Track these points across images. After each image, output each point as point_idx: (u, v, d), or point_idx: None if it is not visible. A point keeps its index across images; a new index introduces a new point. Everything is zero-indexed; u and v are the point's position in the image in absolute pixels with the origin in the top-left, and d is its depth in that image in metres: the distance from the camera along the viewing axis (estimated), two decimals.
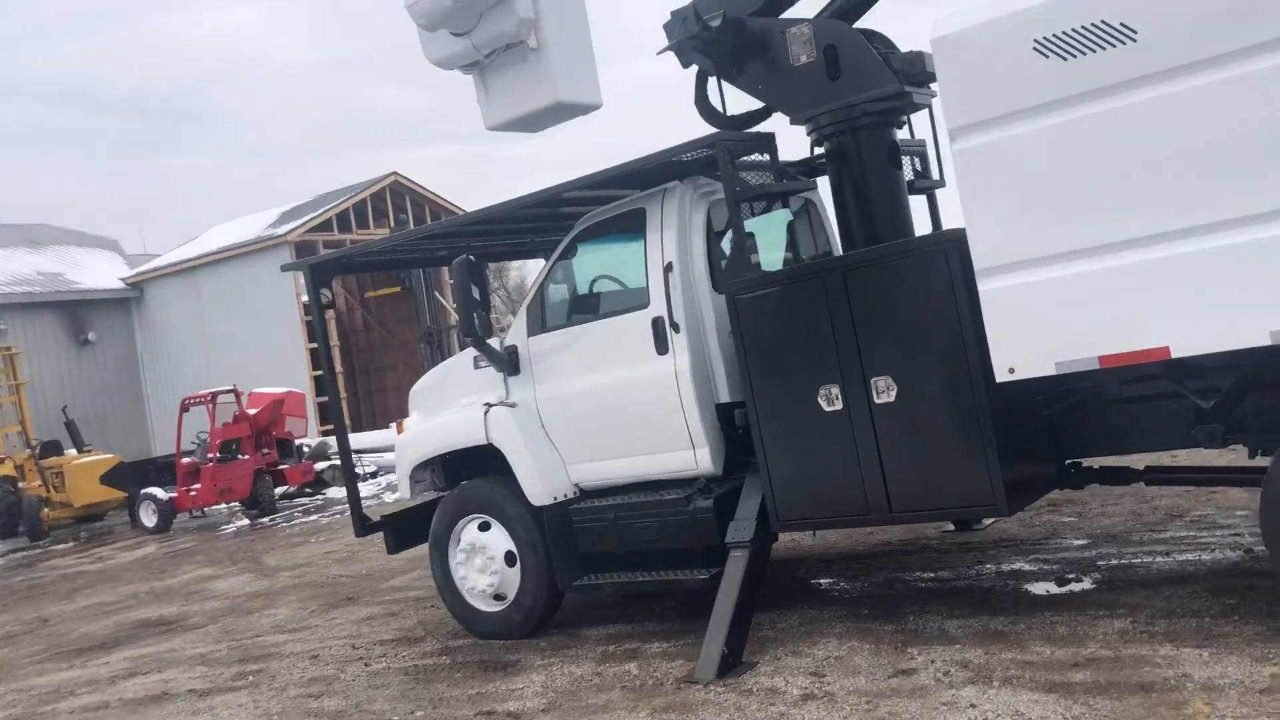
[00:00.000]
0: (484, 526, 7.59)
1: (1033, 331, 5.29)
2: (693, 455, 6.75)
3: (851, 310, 5.86)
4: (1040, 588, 6.62)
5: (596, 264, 7.49)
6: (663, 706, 5.68)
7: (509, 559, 7.46)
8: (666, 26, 7.40)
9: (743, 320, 6.25)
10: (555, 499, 7.25)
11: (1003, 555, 7.58)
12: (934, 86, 6.84)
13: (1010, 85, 5.20)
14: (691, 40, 7.00)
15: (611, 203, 7.47)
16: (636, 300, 6.95)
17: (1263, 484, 4.93)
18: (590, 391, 7.11)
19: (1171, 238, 4.90)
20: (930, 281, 5.61)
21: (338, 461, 24.01)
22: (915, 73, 6.65)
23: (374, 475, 22.87)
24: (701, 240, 6.87)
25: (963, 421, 5.57)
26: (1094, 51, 4.97)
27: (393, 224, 31.33)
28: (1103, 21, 4.93)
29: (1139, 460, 6.40)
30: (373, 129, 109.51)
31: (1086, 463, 6.41)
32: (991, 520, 8.59)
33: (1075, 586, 6.52)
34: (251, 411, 20.44)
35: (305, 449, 22.74)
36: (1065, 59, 5.04)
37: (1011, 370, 5.37)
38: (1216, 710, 4.45)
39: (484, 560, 7.55)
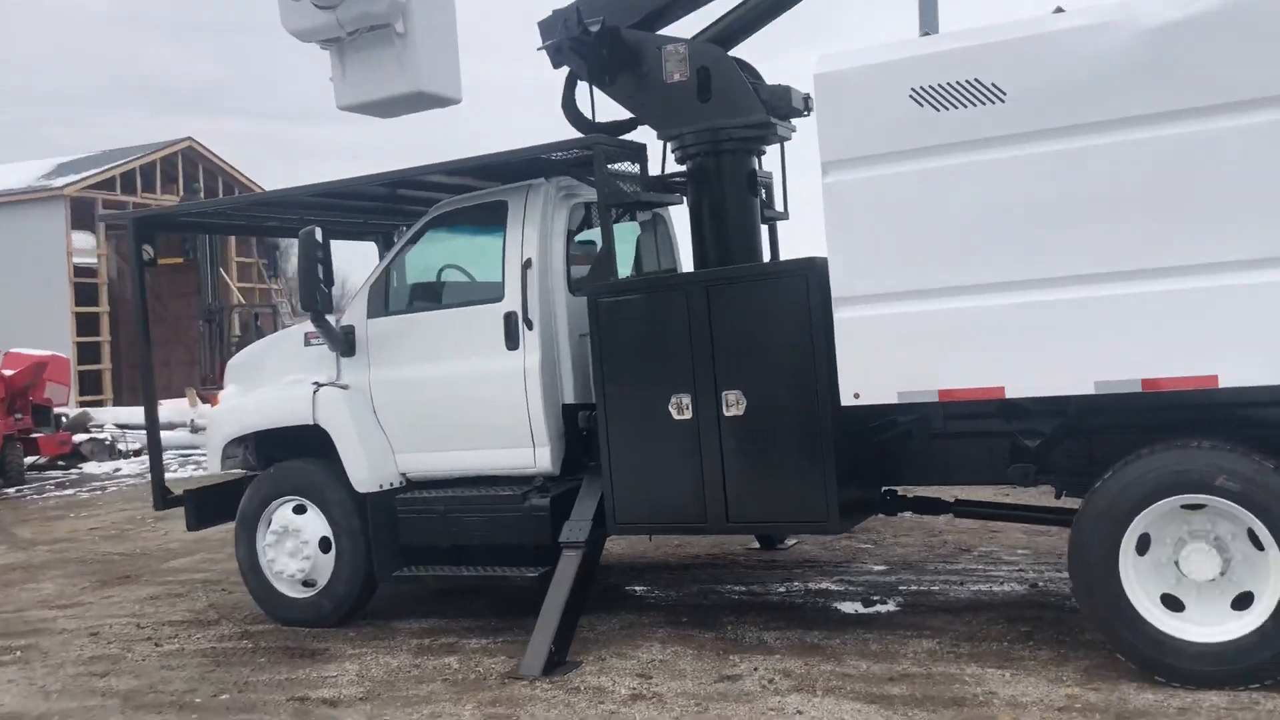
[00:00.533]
0: (299, 509, 7.32)
1: (881, 360, 5.60)
2: (532, 453, 6.74)
3: (711, 324, 6.02)
4: (849, 607, 6.96)
5: (449, 252, 7.40)
6: (488, 701, 5.63)
7: (324, 545, 7.22)
8: (543, 24, 7.42)
9: (602, 323, 6.32)
10: (381, 487, 7.08)
11: (809, 574, 7.92)
12: (794, 122, 7.17)
13: (884, 128, 5.51)
14: (571, 42, 7.04)
15: (465, 193, 7.41)
16: (490, 293, 6.90)
17: (1073, 524, 5.38)
18: (432, 380, 7.00)
19: (1013, 287, 5.30)
20: (789, 304, 5.84)
21: (99, 435, 22.58)
22: (780, 105, 6.91)
23: (137, 454, 21.54)
24: (562, 241, 6.90)
25: (806, 439, 5.82)
26: (965, 107, 5.33)
27: (182, 191, 29.72)
28: (977, 80, 5.29)
29: (948, 492, 6.85)
30: (152, 91, 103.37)
31: (902, 491, 6.79)
32: (794, 541, 8.98)
33: (881, 608, 6.90)
34: (8, 373, 18.84)
35: (64, 418, 21.18)
36: (938, 110, 5.38)
37: (857, 395, 5.66)
38: (998, 705, 4.83)
39: (296, 544, 7.28)
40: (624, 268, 7.74)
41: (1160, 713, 4.83)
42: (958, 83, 5.34)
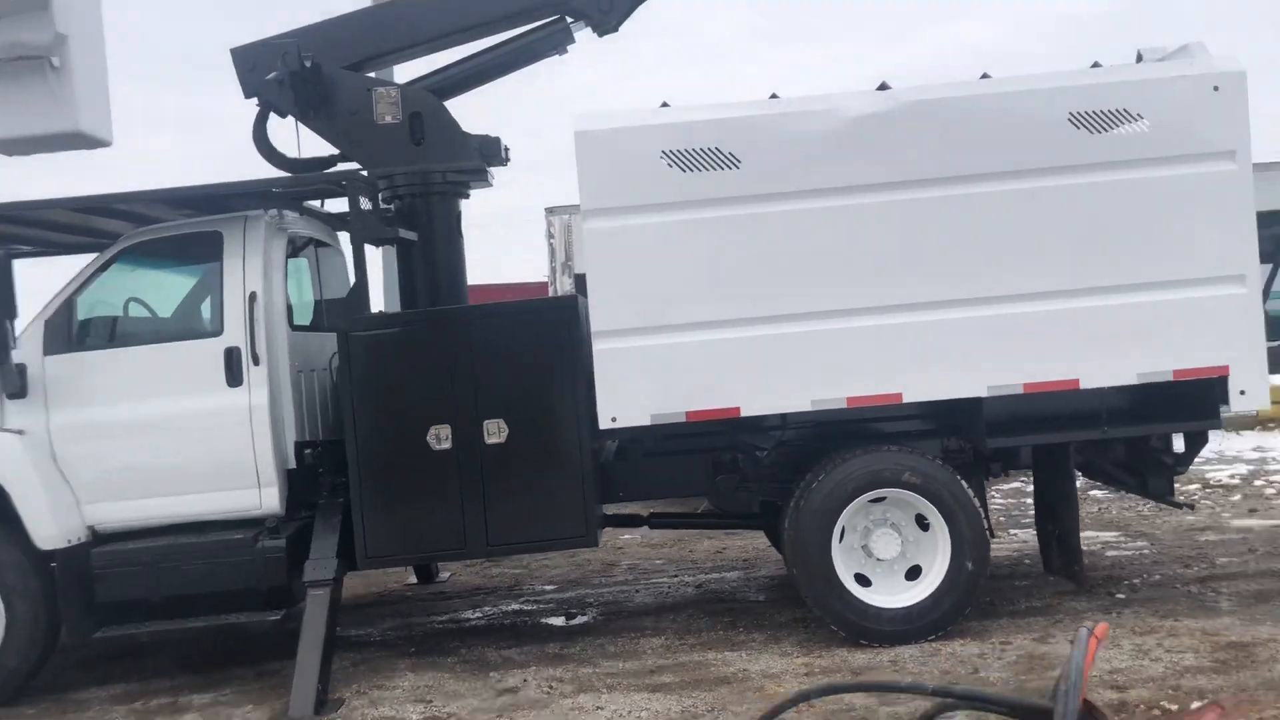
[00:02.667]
0: None
1: (635, 387, 6.30)
2: (258, 494, 6.50)
3: (473, 356, 6.33)
4: (556, 621, 7.51)
5: (149, 284, 6.88)
6: None
7: None
8: (239, 53, 7.23)
9: (354, 358, 6.34)
10: (70, 542, 6.39)
11: (492, 599, 8.33)
12: (495, 170, 7.66)
13: (639, 183, 6.27)
14: (289, 76, 6.94)
15: (152, 224, 6.97)
16: (205, 327, 6.58)
17: (789, 520, 6.44)
18: (133, 422, 6.46)
19: (747, 323, 6.30)
20: (551, 337, 6.35)
21: None
22: (489, 153, 7.39)
23: None
24: (281, 274, 6.77)
25: (567, 463, 6.35)
26: (708, 170, 6.26)
27: None
28: (717, 149, 6.25)
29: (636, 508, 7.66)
30: None
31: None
32: (449, 573, 9.29)
33: (583, 619, 7.53)
34: None
35: None
36: (685, 171, 6.26)
37: (614, 419, 6.32)
38: (787, 688, 5.74)
39: None
40: (303, 300, 7.69)
41: (878, 666, 6.01)
42: (702, 149, 6.26)
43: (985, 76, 6.51)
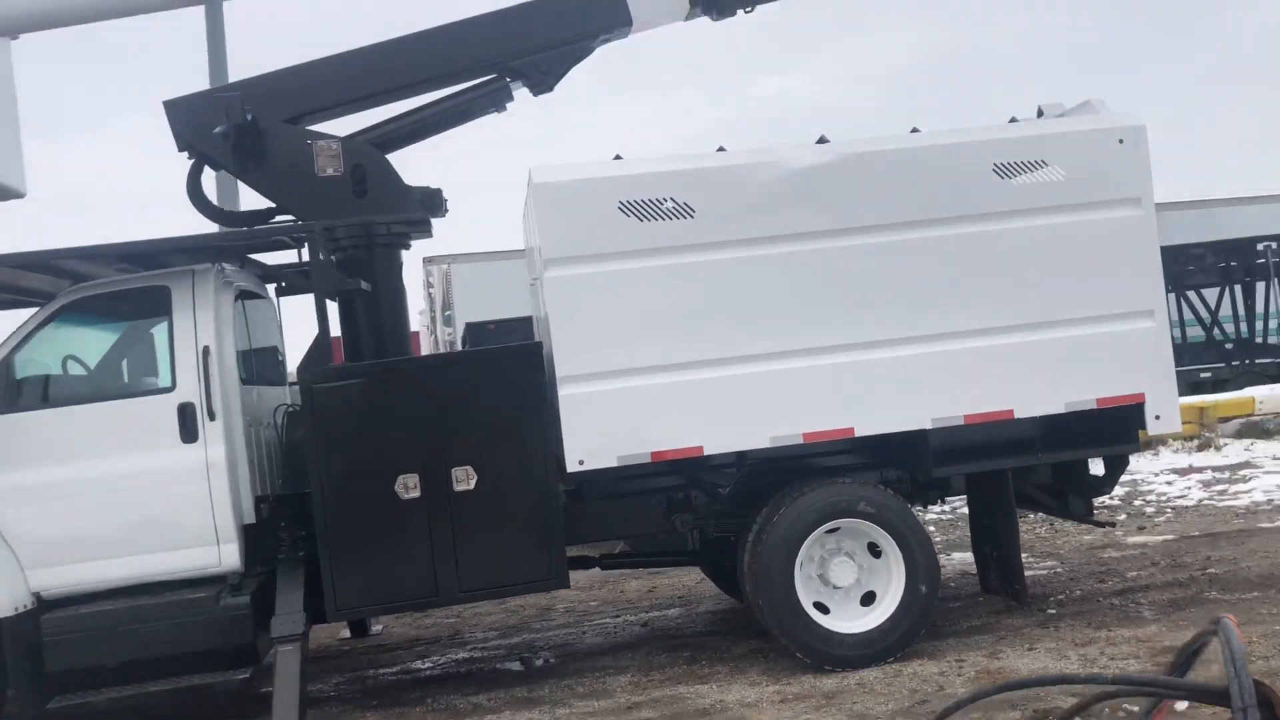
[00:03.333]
0: None
1: (600, 430, 6.46)
2: (216, 551, 6.39)
3: (440, 405, 6.39)
4: (514, 666, 7.54)
5: (92, 340, 6.69)
6: None
7: None
8: (173, 106, 7.17)
9: (319, 409, 6.32)
10: (16, 610, 6.15)
11: (436, 649, 8.29)
12: (434, 221, 7.74)
13: (596, 233, 6.47)
14: (233, 130, 6.90)
15: (86, 280, 6.82)
16: (155, 383, 6.46)
17: (750, 552, 6.67)
18: (82, 482, 6.29)
19: (705, 365, 6.54)
20: (517, 383, 6.46)
21: None
22: (431, 205, 7.49)
23: None
24: (230, 328, 6.70)
25: (536, 506, 6.45)
26: (663, 220, 6.51)
27: None
28: (671, 199, 6.51)
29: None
30: None
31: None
32: (381, 626, 9.19)
33: (539, 661, 7.58)
34: None
35: None
36: (641, 220, 6.50)
37: (581, 462, 6.45)
38: (768, 716, 5.94)
39: None
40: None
41: (846, 690, 6.26)
42: (656, 199, 6.51)
43: (915, 130, 6.97)
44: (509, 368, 6.55)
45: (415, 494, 6.37)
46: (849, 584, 6.75)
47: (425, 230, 7.54)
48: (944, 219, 6.72)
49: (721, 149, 6.84)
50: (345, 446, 6.38)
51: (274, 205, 7.37)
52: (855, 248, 6.65)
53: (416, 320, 19.36)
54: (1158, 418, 6.86)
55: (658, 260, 6.53)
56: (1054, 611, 7.41)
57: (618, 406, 6.48)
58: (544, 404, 6.50)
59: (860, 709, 5.86)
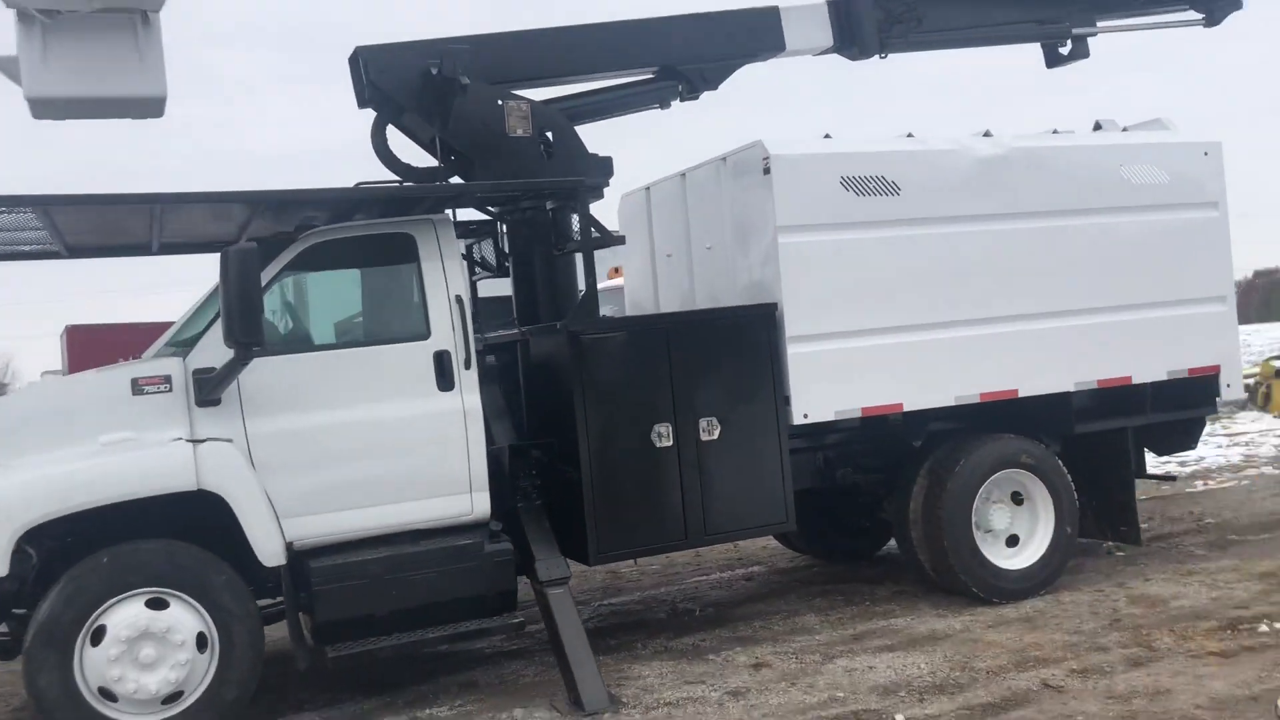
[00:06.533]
0: (155, 603, 5.68)
1: (821, 386, 7.02)
2: (469, 500, 6.40)
3: (686, 359, 6.73)
4: (692, 610, 7.90)
5: (332, 284, 6.51)
6: None
7: (201, 642, 5.74)
8: (368, 54, 7.09)
9: (586, 361, 6.50)
10: (285, 558, 5.96)
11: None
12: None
13: (822, 204, 7.04)
14: (436, 81, 6.91)
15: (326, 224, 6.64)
16: (410, 330, 6.39)
17: (920, 499, 7.43)
18: (340, 428, 6.14)
19: (905, 329, 7.25)
20: (751, 341, 6.90)
21: None
22: (605, 171, 7.74)
23: None
24: (469, 278, 6.73)
25: (771, 455, 6.91)
26: (875, 195, 7.17)
27: None
28: (882, 177, 7.18)
29: None
30: None
31: None
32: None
33: (697, 611, 7.96)
34: None
35: None
36: (858, 195, 7.13)
37: (805, 415, 6.99)
38: (992, 636, 6.70)
39: (159, 650, 5.63)
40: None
41: (1032, 616, 7.10)
42: (870, 177, 7.16)
43: (1055, 132, 8.00)
44: (750, 326, 6.96)
45: (669, 443, 6.67)
46: (1003, 528, 7.63)
47: (599, 195, 7.78)
48: (1087, 209, 7.75)
49: (910, 134, 7.57)
50: (607, 395, 6.59)
51: (440, 165, 7.39)
52: (1021, 231, 7.56)
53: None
54: (1229, 386, 8.21)
55: (871, 232, 7.18)
56: (1124, 554, 8.63)
57: (835, 366, 7.06)
58: (777, 361, 6.97)
59: (1070, 626, 6.74)
